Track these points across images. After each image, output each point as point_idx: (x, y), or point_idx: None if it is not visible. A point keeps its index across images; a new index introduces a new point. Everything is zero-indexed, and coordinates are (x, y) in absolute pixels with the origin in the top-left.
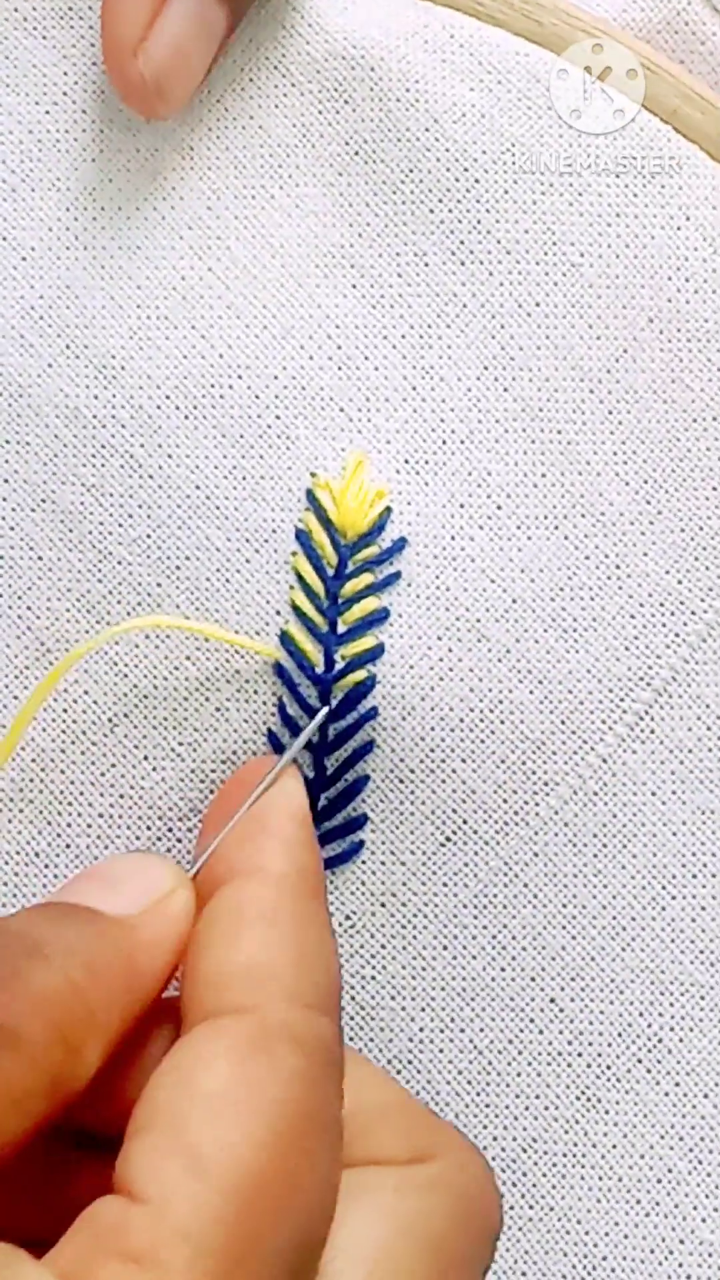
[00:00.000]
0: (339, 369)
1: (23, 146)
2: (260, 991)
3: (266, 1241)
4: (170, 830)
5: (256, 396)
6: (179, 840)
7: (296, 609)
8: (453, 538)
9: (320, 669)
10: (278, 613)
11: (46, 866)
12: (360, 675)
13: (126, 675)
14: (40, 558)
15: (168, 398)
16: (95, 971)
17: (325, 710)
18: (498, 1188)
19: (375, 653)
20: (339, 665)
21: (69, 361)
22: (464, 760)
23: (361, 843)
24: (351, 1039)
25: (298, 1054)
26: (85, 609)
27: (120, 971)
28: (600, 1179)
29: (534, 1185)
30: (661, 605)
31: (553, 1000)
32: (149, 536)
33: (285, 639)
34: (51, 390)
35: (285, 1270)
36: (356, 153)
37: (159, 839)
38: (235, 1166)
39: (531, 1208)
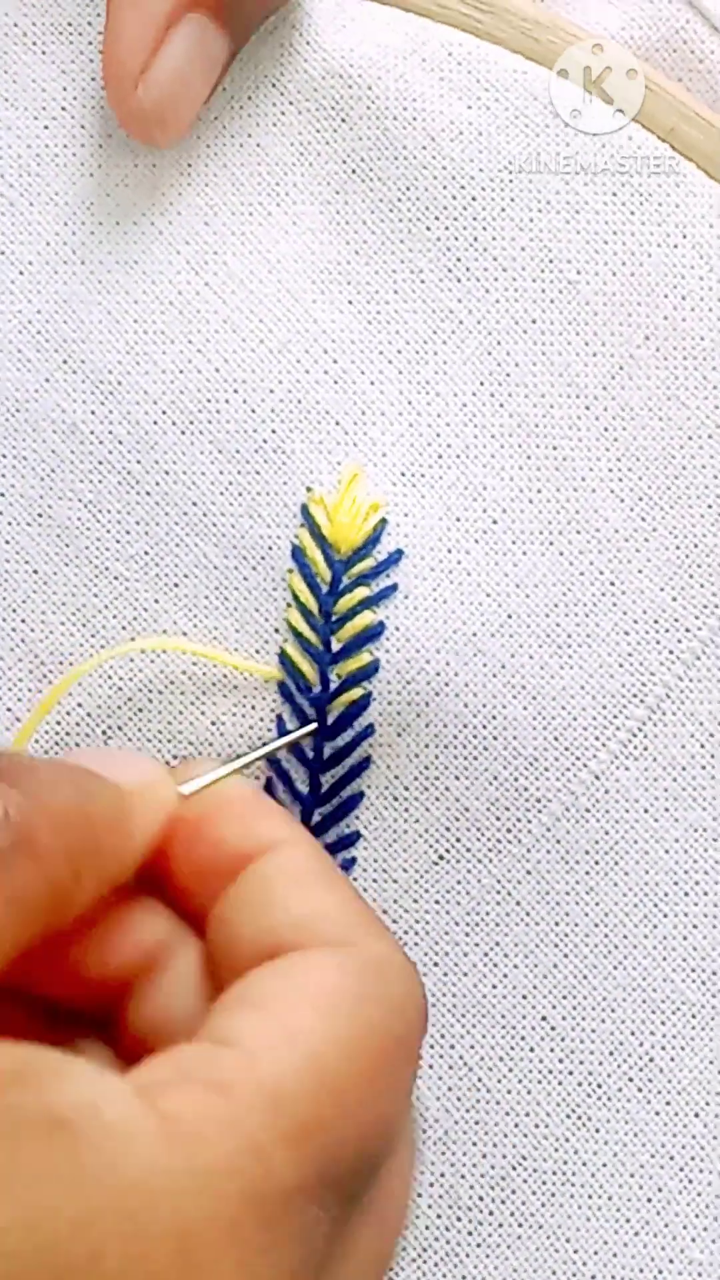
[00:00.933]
0: (335, 384)
1: (21, 161)
2: (356, 930)
3: (336, 1132)
4: None
5: (253, 411)
6: None
7: (292, 627)
8: (449, 551)
9: (317, 688)
10: (275, 630)
11: None
12: (356, 693)
13: (121, 689)
14: (36, 572)
15: (164, 413)
16: (99, 816)
17: (310, 728)
18: (423, 992)
19: (370, 669)
20: (334, 684)
21: (66, 376)
22: (457, 777)
23: (354, 860)
24: None
25: (405, 984)
26: (81, 624)
27: (116, 828)
28: (590, 1198)
29: (523, 1203)
30: (656, 622)
31: (544, 1018)
32: (147, 553)
33: (283, 658)
34: (49, 405)
35: (345, 1169)
36: (354, 170)
37: None
38: (331, 1053)
39: (520, 1226)
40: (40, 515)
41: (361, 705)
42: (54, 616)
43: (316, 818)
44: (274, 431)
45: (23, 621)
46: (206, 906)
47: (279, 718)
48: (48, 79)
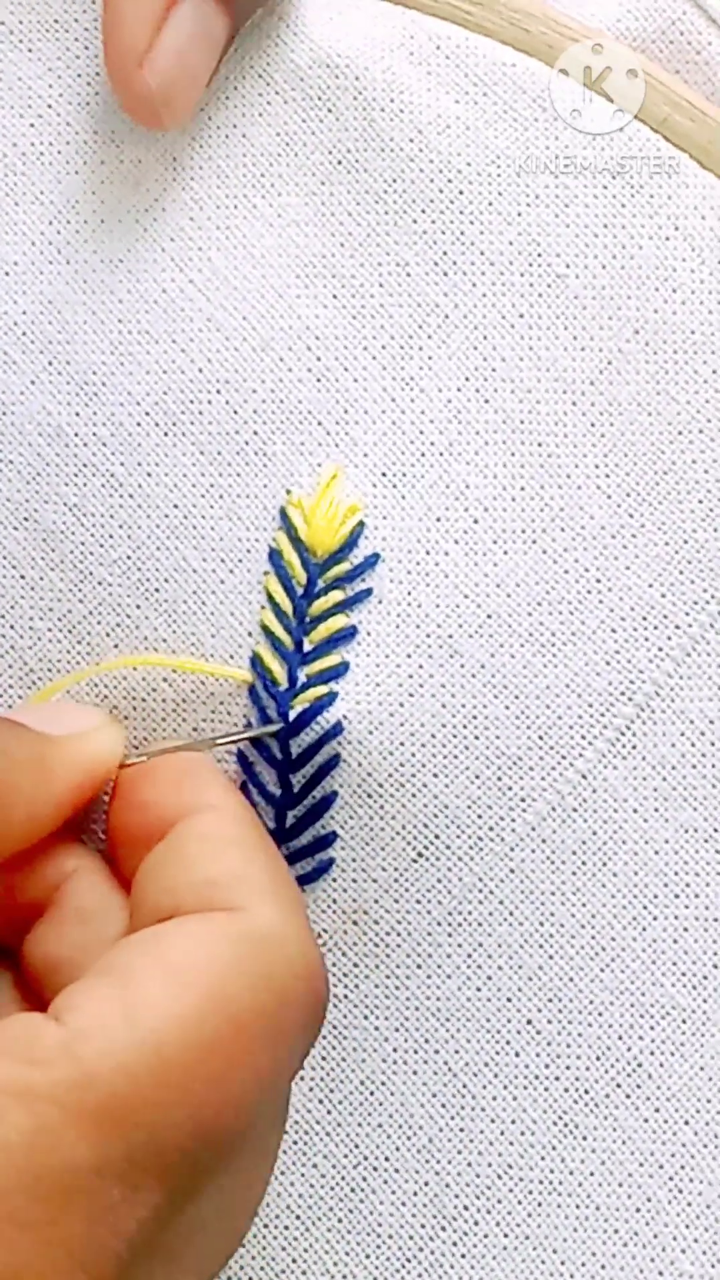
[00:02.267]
0: (318, 381)
1: (6, 160)
2: (252, 896)
3: (160, 1113)
4: None
5: (235, 412)
6: None
7: (266, 629)
8: (427, 553)
9: (284, 687)
10: (249, 634)
11: None
12: (320, 690)
13: (106, 697)
14: (23, 577)
15: (147, 414)
16: (13, 761)
17: (274, 727)
18: (322, 974)
19: (339, 670)
20: (300, 682)
21: (51, 378)
22: (435, 775)
23: (331, 860)
24: (323, 1059)
25: (289, 961)
26: (66, 630)
27: (31, 772)
28: (578, 1207)
29: (509, 1213)
30: (644, 619)
31: (529, 1022)
32: (129, 558)
33: (255, 661)
34: (34, 408)
35: (172, 1152)
36: (340, 162)
37: None
38: (171, 1030)
39: (506, 1236)
40: (26, 519)
41: (326, 702)
42: (41, 623)
43: (290, 819)
44: (255, 433)
45: (10, 627)
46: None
47: (248, 721)
48: (34, 76)
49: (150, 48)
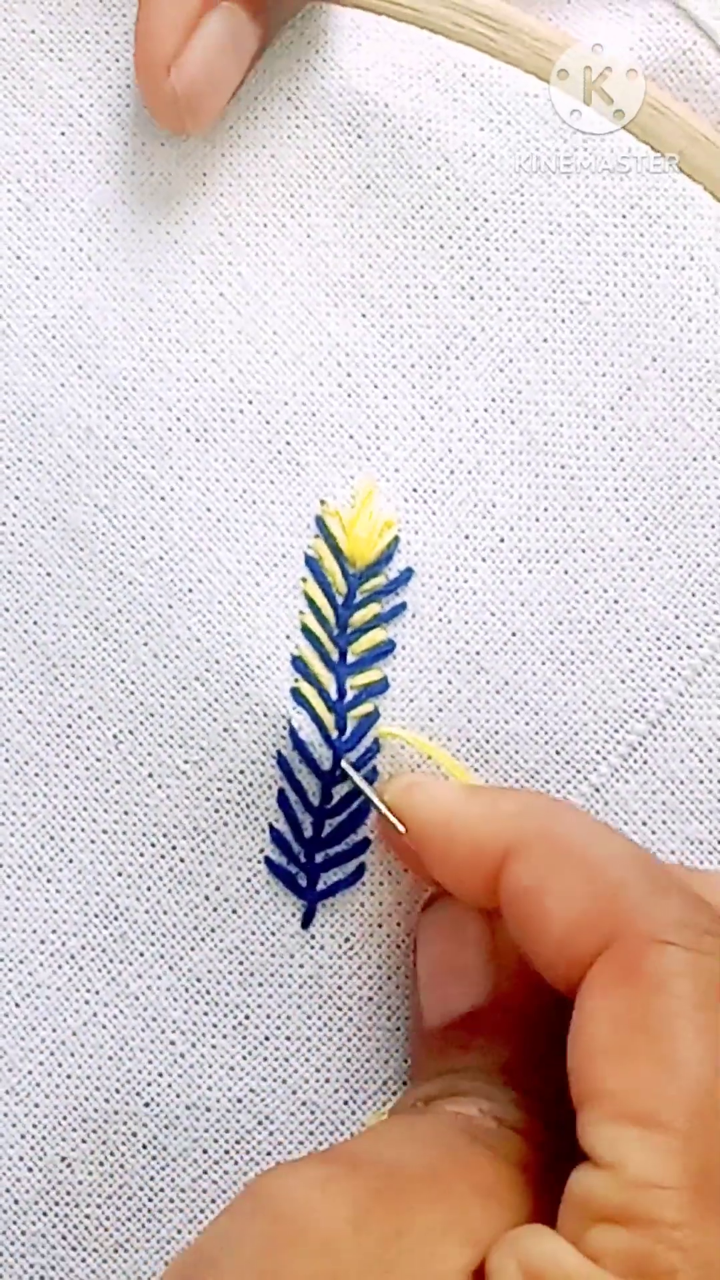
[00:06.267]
0: (348, 396)
1: (38, 167)
2: None
3: None
4: (174, 848)
5: (267, 422)
6: (182, 859)
7: (308, 632)
8: (456, 569)
9: (335, 696)
10: (287, 637)
11: (49, 881)
12: (368, 708)
13: (133, 693)
14: (49, 575)
15: (179, 420)
16: None
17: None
18: None
19: (380, 687)
20: (350, 695)
21: (81, 381)
22: None
23: (364, 866)
24: (348, 1061)
25: None
26: (93, 627)
27: None
28: None
29: None
30: (658, 640)
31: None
32: (161, 558)
33: (298, 663)
34: (64, 410)
35: None
36: (368, 186)
37: (162, 856)
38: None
39: None
40: (55, 519)
41: (372, 720)
42: (67, 619)
43: (328, 828)
44: (288, 443)
45: (35, 624)
46: None
47: (290, 725)
48: (65, 86)
49: (179, 53)
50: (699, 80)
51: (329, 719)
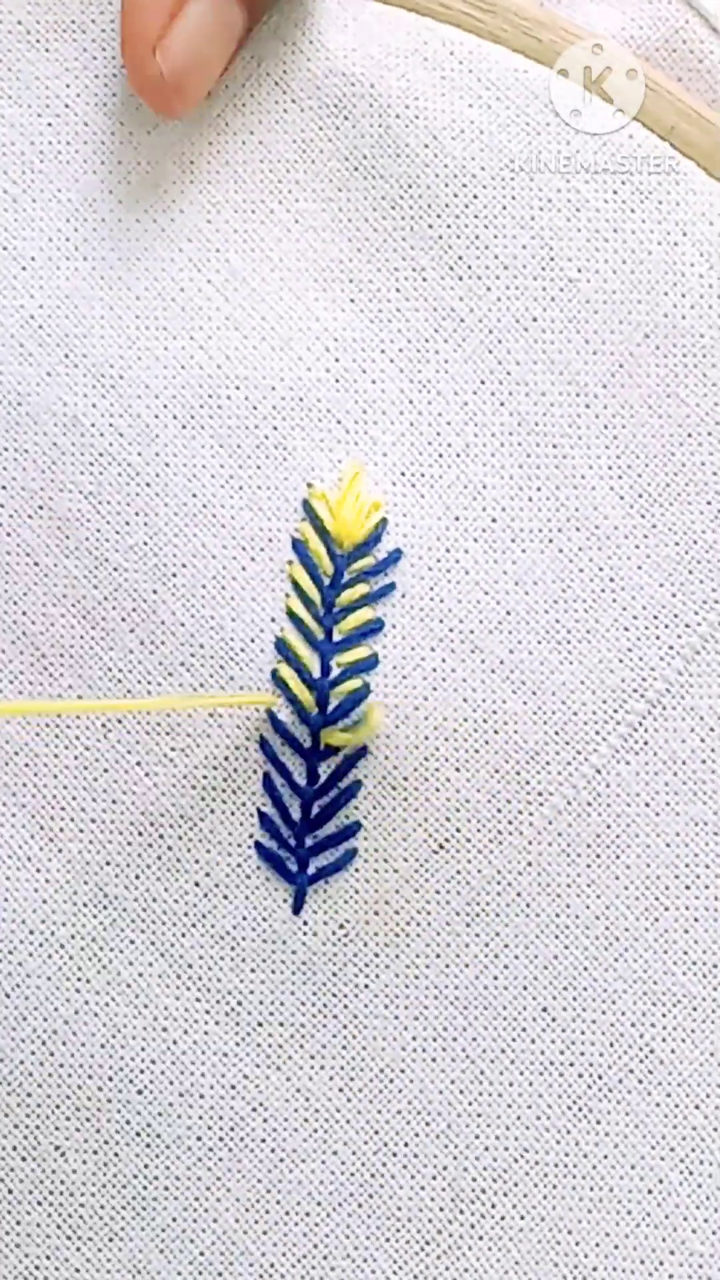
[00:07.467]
0: (336, 381)
1: (24, 158)
2: None
3: None
4: (163, 835)
5: (254, 407)
6: (170, 847)
7: (293, 615)
8: (448, 550)
9: (316, 675)
10: (273, 619)
11: (39, 871)
12: (355, 684)
13: (121, 681)
14: (36, 563)
15: (165, 407)
16: None
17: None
18: None
19: (369, 663)
20: (335, 672)
21: (68, 370)
22: (457, 769)
23: (354, 851)
24: (344, 1048)
25: None
26: (80, 615)
27: None
28: (591, 1189)
29: (525, 1195)
30: (656, 618)
31: (545, 1009)
32: (146, 544)
33: (281, 645)
34: (50, 398)
35: None
36: (356, 168)
37: (151, 844)
38: None
39: (522, 1218)
40: (41, 507)
41: (359, 696)
42: (54, 608)
43: (316, 809)
44: (275, 428)
45: (23, 613)
46: None
47: (269, 709)
48: (51, 76)
49: (165, 34)
50: (692, 59)
51: (308, 697)
